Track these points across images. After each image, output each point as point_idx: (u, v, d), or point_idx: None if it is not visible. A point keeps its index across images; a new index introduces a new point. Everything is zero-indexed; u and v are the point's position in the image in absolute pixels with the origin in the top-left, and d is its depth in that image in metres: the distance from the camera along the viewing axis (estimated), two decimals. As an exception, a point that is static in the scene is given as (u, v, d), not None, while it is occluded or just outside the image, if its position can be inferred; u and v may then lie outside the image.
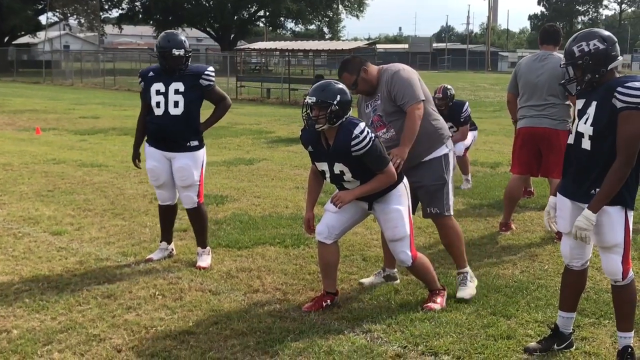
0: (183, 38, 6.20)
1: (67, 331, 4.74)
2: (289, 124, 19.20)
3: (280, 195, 9.39)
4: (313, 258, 6.31)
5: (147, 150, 6.28)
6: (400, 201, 5.02)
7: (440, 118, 5.62)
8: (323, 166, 4.99)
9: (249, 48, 39.92)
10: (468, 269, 5.58)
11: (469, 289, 5.45)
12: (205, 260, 6.26)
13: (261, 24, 79.43)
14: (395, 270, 5.81)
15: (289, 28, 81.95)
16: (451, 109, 9.46)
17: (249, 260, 6.42)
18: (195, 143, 6.21)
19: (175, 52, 6.04)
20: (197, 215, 6.35)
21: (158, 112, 6.10)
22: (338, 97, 4.77)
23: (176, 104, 6.07)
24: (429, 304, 5.18)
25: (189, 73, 6.15)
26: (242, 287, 5.68)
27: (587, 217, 3.96)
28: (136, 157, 6.49)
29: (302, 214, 5.19)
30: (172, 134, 6.11)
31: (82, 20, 62.08)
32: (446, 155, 5.47)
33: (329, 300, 5.21)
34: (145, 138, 6.34)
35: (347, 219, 5.14)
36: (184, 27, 67.38)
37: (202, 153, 6.29)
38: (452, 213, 5.52)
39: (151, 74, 6.19)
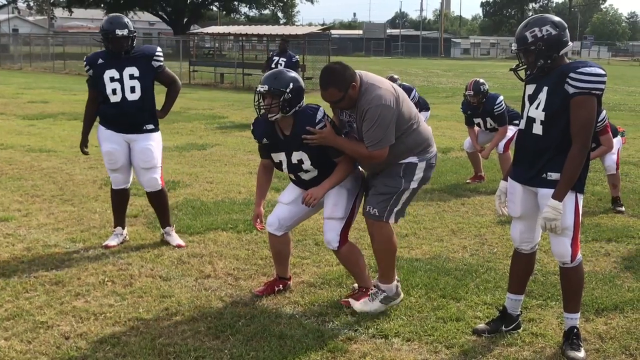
0: (126, 19, 6.11)
1: (14, 318, 4.66)
2: (243, 109, 19.07)
3: (233, 180, 9.35)
4: (265, 243, 6.28)
5: (103, 133, 6.17)
6: (350, 183, 4.90)
7: (425, 130, 4.80)
8: (280, 157, 4.86)
9: (202, 32, 39.50)
10: (391, 287, 4.84)
11: (370, 305, 4.80)
12: (178, 238, 6.43)
13: (215, 8, 78.64)
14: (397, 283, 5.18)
15: (242, 12, 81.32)
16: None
17: (201, 245, 6.37)
18: (151, 126, 6.21)
19: (119, 32, 5.95)
20: (161, 197, 6.41)
21: (115, 99, 6.02)
22: (291, 85, 4.64)
23: (133, 90, 6.03)
24: (348, 299, 4.94)
25: (140, 55, 6.09)
26: (193, 273, 5.65)
27: (554, 206, 3.99)
28: (84, 144, 6.35)
29: (255, 198, 5.14)
30: (131, 118, 6.07)
31: (31, 3, 60.78)
32: (410, 164, 4.73)
33: (281, 285, 5.21)
34: (99, 121, 6.22)
35: (298, 211, 5.02)
36: (136, 10, 66.34)
37: (159, 135, 6.30)
38: (392, 222, 4.79)
39: (100, 60, 6.04)
